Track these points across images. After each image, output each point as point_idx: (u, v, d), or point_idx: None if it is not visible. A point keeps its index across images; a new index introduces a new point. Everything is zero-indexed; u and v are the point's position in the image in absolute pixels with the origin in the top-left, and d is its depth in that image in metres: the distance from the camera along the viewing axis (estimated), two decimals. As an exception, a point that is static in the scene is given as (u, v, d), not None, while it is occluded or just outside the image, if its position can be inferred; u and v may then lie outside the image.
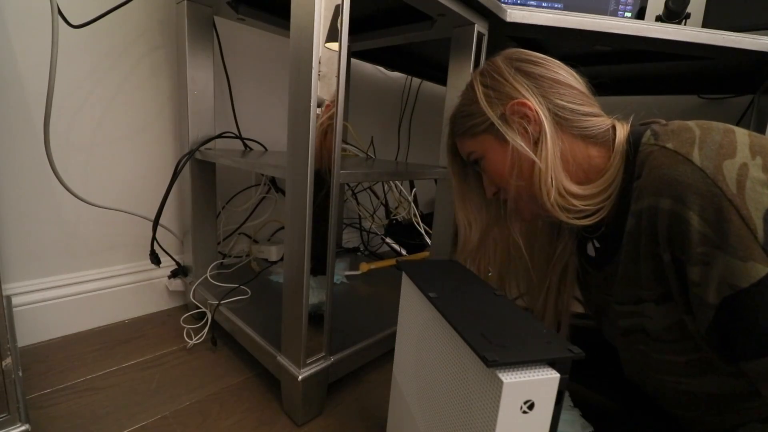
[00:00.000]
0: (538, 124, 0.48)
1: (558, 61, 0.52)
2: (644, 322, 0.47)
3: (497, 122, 0.50)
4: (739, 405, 0.45)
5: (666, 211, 0.39)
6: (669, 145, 0.41)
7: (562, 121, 0.49)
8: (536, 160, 0.48)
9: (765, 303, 0.35)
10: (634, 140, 0.46)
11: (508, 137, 0.49)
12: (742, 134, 0.39)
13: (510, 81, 0.50)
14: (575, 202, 0.47)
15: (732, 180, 0.36)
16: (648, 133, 0.45)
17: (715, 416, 0.48)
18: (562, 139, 0.49)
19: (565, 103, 0.49)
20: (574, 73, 0.52)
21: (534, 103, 0.48)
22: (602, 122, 0.49)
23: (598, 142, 0.49)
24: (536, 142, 0.49)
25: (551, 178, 0.47)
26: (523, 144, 0.48)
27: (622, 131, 0.48)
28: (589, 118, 0.49)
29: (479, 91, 0.52)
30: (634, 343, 0.51)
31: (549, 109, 0.49)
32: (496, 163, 0.52)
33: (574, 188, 0.48)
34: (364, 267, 1.14)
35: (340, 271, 1.09)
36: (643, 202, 0.42)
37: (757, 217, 0.35)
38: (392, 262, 1.22)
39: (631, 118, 0.50)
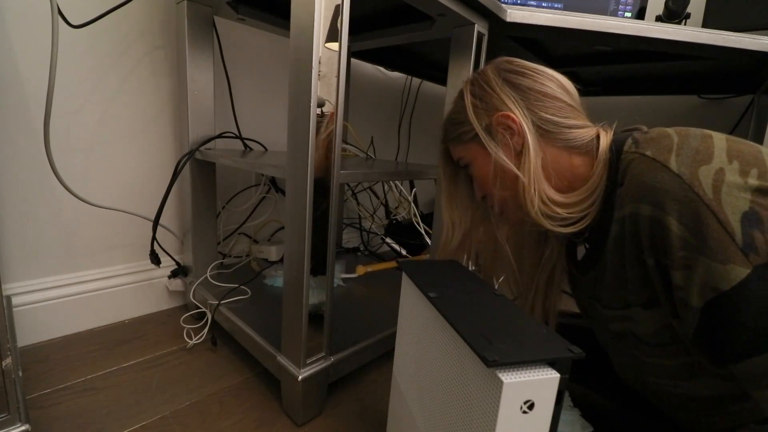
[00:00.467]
0: (521, 136, 0.50)
1: (550, 72, 0.53)
2: (633, 327, 0.48)
3: (482, 134, 0.52)
4: (733, 406, 0.45)
5: (647, 218, 0.40)
6: (648, 153, 0.42)
7: (546, 133, 0.50)
8: (518, 173, 0.49)
9: (747, 304, 0.35)
10: (616, 148, 0.47)
11: (490, 150, 0.51)
12: (720, 139, 0.40)
13: (497, 92, 0.52)
14: (559, 210, 0.49)
15: (708, 185, 0.37)
16: (629, 141, 0.46)
17: (710, 418, 0.48)
18: (546, 150, 0.50)
19: (550, 116, 0.50)
20: (565, 83, 0.53)
21: (518, 115, 0.50)
22: (586, 133, 0.50)
23: (582, 151, 0.50)
24: (519, 154, 0.50)
25: (534, 189, 0.49)
26: (504, 157, 0.50)
27: (605, 140, 0.49)
28: (572, 130, 0.50)
29: (468, 100, 0.54)
30: (625, 347, 0.51)
31: (533, 122, 0.50)
32: (482, 170, 0.54)
33: (557, 197, 0.49)
34: (361, 270, 1.13)
35: (336, 274, 1.07)
36: (625, 210, 0.43)
37: (734, 220, 0.35)
38: (390, 264, 1.21)
39: (615, 125, 0.51)
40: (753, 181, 0.36)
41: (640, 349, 0.49)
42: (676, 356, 0.46)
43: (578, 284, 0.59)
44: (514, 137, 0.50)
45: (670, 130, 0.43)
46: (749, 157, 0.38)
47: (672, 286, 0.40)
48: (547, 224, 0.49)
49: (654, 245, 0.40)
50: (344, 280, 1.07)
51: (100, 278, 0.88)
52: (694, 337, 0.40)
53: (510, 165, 0.50)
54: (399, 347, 0.55)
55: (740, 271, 0.35)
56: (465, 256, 0.64)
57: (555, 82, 0.52)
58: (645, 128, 0.48)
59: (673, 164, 0.39)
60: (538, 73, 0.52)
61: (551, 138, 0.50)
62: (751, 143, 0.40)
